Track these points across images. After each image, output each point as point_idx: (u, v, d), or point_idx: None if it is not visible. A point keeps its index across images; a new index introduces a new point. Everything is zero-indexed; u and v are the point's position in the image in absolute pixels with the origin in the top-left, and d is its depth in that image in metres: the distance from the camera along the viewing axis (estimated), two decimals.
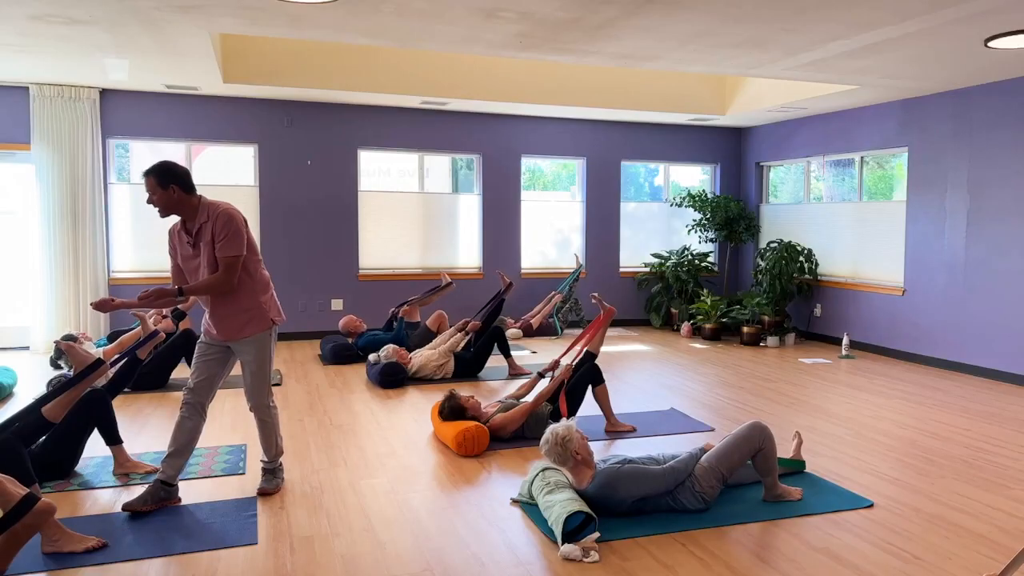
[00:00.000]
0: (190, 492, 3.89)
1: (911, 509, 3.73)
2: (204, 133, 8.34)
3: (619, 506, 3.48)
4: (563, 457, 3.47)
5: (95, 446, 4.37)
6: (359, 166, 8.95)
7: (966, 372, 7.22)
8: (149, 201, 3.56)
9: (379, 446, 4.72)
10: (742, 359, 7.87)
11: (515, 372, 6.89)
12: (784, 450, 4.37)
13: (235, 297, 3.66)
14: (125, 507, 3.57)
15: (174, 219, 3.94)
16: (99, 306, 3.46)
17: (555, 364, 5.14)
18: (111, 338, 7.01)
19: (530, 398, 4.98)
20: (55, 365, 6.68)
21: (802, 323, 9.33)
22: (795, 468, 4.12)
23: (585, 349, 5.15)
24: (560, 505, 3.32)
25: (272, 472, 3.95)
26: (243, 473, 4.17)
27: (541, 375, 5.18)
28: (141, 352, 4.45)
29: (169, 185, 3.53)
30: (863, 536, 3.40)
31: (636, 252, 10.30)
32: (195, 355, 3.77)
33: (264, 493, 3.85)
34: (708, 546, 3.27)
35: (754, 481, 3.98)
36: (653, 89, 8.77)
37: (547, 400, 4.99)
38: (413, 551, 3.22)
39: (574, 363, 5.06)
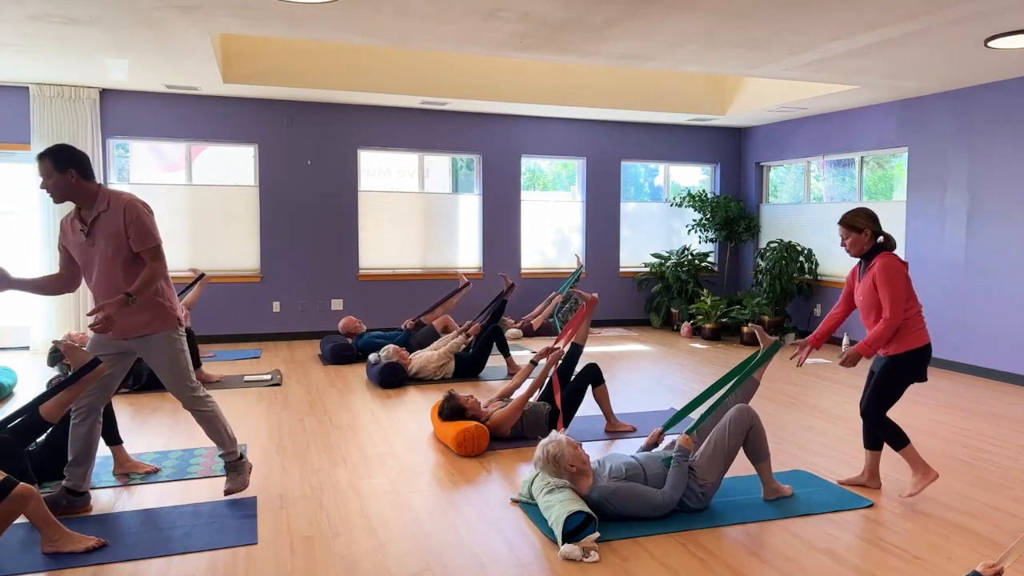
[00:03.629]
0: (190, 492, 3.89)
1: (911, 509, 3.73)
2: (204, 133, 8.34)
3: (615, 516, 3.49)
4: (557, 472, 3.47)
5: None
6: (359, 166, 8.95)
7: (966, 372, 7.22)
8: (43, 186, 3.35)
9: (379, 446, 4.72)
10: (742, 359, 7.86)
11: (514, 372, 6.88)
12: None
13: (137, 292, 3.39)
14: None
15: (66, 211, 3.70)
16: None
17: (546, 352, 5.15)
18: None
19: (523, 390, 4.98)
20: (52, 365, 6.66)
21: (802, 323, 9.33)
22: (773, 350, 3.97)
23: (571, 342, 5.23)
24: (560, 505, 3.32)
25: (235, 467, 3.73)
26: None
27: (533, 363, 5.21)
28: None
29: (67, 169, 3.33)
30: (863, 536, 3.40)
31: (636, 252, 10.30)
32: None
33: (231, 492, 3.70)
34: (708, 546, 3.27)
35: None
36: (653, 89, 8.77)
37: (543, 398, 5.03)
38: (413, 551, 3.22)
39: (565, 349, 5.13)
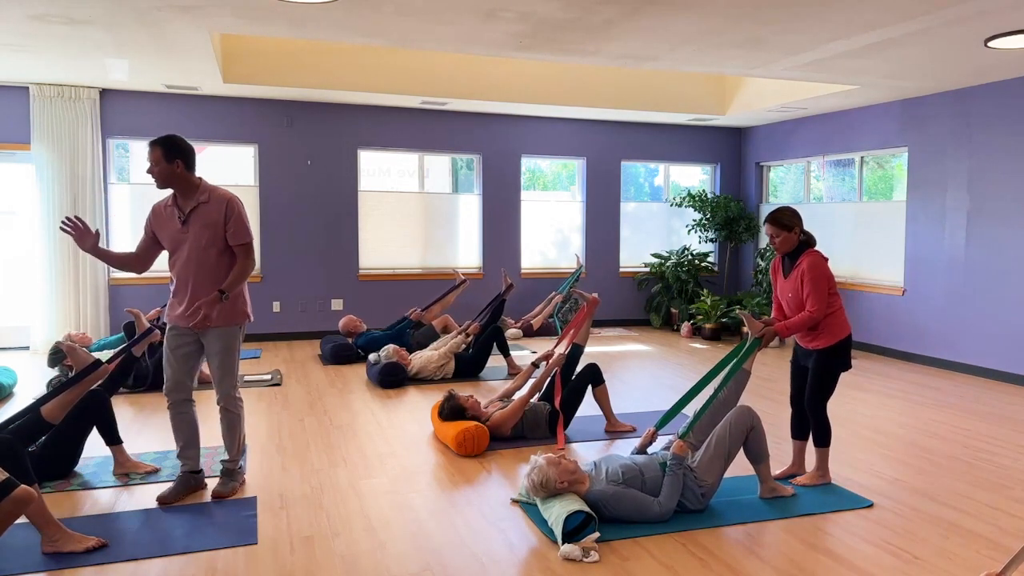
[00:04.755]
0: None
1: (911, 509, 3.73)
2: (204, 133, 8.34)
3: (611, 519, 3.48)
4: (552, 493, 3.44)
5: (95, 446, 4.36)
6: (359, 166, 8.95)
7: (966, 372, 7.22)
8: (149, 171, 3.59)
9: (379, 446, 4.72)
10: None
11: (514, 372, 6.89)
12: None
13: (220, 282, 3.64)
14: (160, 500, 3.69)
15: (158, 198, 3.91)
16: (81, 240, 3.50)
17: (548, 354, 5.18)
18: (126, 329, 6.94)
19: (524, 391, 4.99)
20: (53, 366, 6.66)
21: None
22: (753, 347, 4.06)
23: (572, 343, 5.23)
24: (560, 505, 3.32)
25: (231, 474, 3.88)
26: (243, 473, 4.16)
27: (535, 365, 5.22)
28: (136, 349, 4.45)
29: (174, 159, 3.57)
30: (863, 536, 3.41)
31: (636, 252, 10.30)
32: (167, 348, 3.73)
33: (219, 496, 3.77)
34: (708, 546, 3.28)
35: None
36: (653, 89, 8.77)
37: (542, 398, 5.03)
38: (413, 551, 3.22)
39: (566, 351, 5.15)
